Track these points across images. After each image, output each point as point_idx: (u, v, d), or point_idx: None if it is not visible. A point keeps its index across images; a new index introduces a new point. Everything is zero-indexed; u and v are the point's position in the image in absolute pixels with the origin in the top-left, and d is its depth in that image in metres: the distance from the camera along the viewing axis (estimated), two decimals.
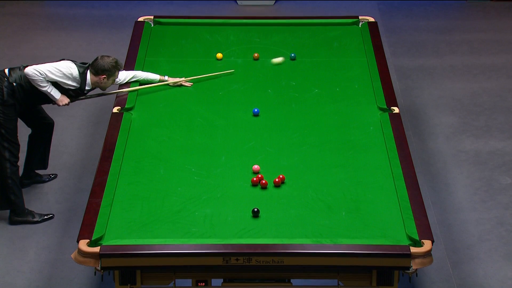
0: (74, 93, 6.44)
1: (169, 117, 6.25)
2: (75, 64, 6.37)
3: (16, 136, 6.50)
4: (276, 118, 6.24)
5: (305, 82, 6.71)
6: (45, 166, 7.04)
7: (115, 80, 6.43)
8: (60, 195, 7.01)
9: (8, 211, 6.68)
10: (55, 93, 6.39)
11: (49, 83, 6.34)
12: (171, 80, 6.63)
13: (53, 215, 6.73)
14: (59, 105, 6.45)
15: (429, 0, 10.50)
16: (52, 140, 6.97)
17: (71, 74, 6.33)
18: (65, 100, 6.44)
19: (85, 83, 6.37)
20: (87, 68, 6.36)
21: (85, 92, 6.46)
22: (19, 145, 6.55)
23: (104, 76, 6.33)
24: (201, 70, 6.83)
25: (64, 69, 6.32)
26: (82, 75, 6.35)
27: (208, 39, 7.34)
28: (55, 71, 6.30)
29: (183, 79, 6.65)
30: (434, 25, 9.93)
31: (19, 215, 6.64)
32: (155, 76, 6.64)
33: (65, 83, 6.35)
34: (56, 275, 6.18)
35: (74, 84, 6.37)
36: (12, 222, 6.66)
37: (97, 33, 9.72)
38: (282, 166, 5.69)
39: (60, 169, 7.30)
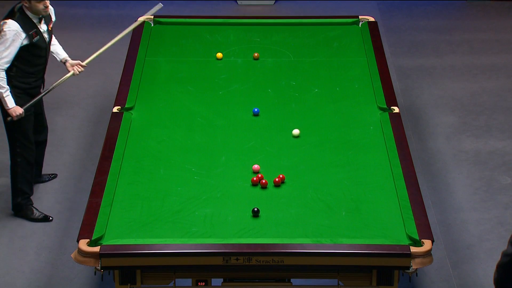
0: (38, 34, 6.29)
1: (169, 117, 6.25)
2: (9, 18, 6.23)
3: (30, 136, 6.53)
4: (276, 118, 6.24)
5: (305, 82, 6.71)
6: (39, 174, 7.03)
7: (43, 1, 6.22)
8: (60, 195, 7.01)
9: (10, 206, 6.74)
10: (10, 102, 6.30)
11: (8, 87, 6.25)
12: (69, 62, 6.67)
13: (52, 218, 6.72)
14: (12, 116, 6.32)
15: (429, 0, 10.50)
16: (52, 140, 6.97)
17: (16, 31, 6.20)
18: (18, 110, 6.33)
19: (29, 17, 6.25)
20: (21, 7, 6.27)
21: (42, 24, 6.31)
22: (33, 143, 6.58)
23: (25, 0, 6.23)
24: (201, 70, 6.84)
25: (9, 36, 6.18)
26: (21, 14, 6.24)
27: (208, 39, 7.34)
28: (4, 49, 6.18)
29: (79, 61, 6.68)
30: (434, 25, 9.93)
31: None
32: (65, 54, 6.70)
33: (24, 42, 6.24)
34: (56, 275, 6.18)
35: (26, 33, 6.22)
36: (14, 212, 6.74)
37: (97, 33, 9.72)
38: (282, 166, 5.69)
39: (60, 169, 7.30)
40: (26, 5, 6.25)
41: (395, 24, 9.94)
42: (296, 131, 5.99)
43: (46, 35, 6.41)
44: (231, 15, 9.46)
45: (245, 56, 7.07)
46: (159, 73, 6.78)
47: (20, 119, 6.38)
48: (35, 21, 6.30)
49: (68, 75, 6.63)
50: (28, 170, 6.60)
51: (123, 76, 6.70)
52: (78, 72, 6.65)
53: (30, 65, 6.36)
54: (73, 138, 7.77)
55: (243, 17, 7.89)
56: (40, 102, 6.65)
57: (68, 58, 6.70)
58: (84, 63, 6.67)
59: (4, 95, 6.28)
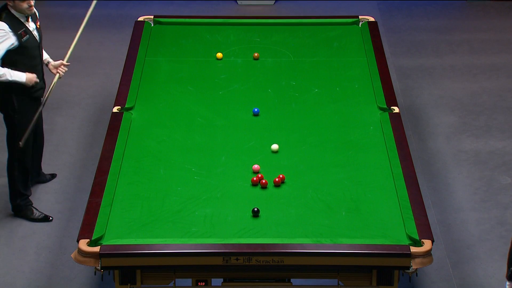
0: (27, 33, 6.26)
1: (169, 117, 6.25)
2: None
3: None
4: (276, 118, 6.25)
5: (305, 82, 6.71)
6: (38, 173, 7.03)
7: (26, 0, 6.20)
8: (60, 195, 7.01)
9: (9, 206, 6.74)
10: (19, 76, 6.26)
11: (5, 68, 6.20)
12: (52, 64, 6.64)
13: (52, 218, 6.72)
14: (29, 85, 6.28)
15: (429, 0, 10.50)
16: (52, 140, 6.96)
17: (4, 31, 6.17)
18: (34, 78, 6.29)
19: (16, 16, 6.24)
20: (6, 7, 6.25)
21: (30, 22, 6.28)
22: (31, 148, 6.56)
23: (10, 0, 6.23)
24: (201, 70, 6.84)
25: None
26: (7, 14, 6.22)
27: (208, 39, 7.34)
28: None
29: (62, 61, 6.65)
30: (434, 25, 9.93)
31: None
32: (46, 56, 6.63)
33: (15, 44, 6.21)
34: (56, 275, 6.18)
35: (15, 33, 6.21)
36: (14, 213, 6.74)
37: (97, 33, 9.72)
38: (282, 166, 5.69)
39: (60, 169, 7.30)
40: (10, 4, 6.23)
41: (395, 24, 9.94)
42: (274, 146, 5.86)
43: (36, 33, 6.39)
44: (231, 15, 9.46)
45: (245, 56, 7.07)
46: (159, 73, 6.78)
47: (22, 122, 6.36)
48: (22, 20, 6.28)
49: (55, 79, 6.58)
50: (25, 173, 6.60)
51: (123, 76, 6.70)
52: (62, 73, 6.63)
53: (27, 69, 6.33)
54: (73, 138, 7.77)
55: (243, 17, 7.89)
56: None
57: (50, 60, 6.65)
58: (65, 62, 6.64)
59: (10, 78, 6.23)
